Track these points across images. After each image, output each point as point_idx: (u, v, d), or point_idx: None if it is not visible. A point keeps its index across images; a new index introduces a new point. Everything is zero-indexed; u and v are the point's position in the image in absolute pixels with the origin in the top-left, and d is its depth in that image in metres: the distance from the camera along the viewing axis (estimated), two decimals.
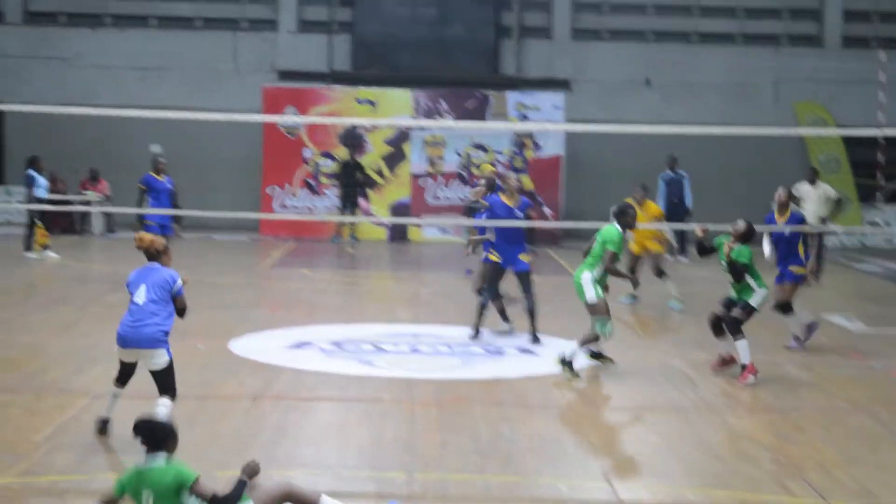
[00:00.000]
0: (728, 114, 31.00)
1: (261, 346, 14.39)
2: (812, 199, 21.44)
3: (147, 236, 9.96)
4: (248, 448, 9.77)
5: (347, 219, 27.54)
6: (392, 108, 30.10)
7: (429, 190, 30.28)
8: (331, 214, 28.89)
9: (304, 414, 11.23)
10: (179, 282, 9.73)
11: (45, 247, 23.46)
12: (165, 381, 9.66)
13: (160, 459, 6.76)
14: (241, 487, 6.85)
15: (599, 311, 12.92)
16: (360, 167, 28.49)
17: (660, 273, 18.91)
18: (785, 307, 14.92)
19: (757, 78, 32.18)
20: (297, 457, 9.65)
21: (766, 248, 15.65)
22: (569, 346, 13.08)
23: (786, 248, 15.09)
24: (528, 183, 29.75)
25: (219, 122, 25.59)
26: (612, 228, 13.03)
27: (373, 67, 32.09)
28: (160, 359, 9.62)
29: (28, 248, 23.48)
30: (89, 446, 9.68)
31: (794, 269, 14.97)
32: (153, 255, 9.82)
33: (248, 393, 11.84)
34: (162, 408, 9.34)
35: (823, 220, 21.41)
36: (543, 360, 13.93)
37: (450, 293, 19.53)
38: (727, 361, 13.27)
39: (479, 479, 9.11)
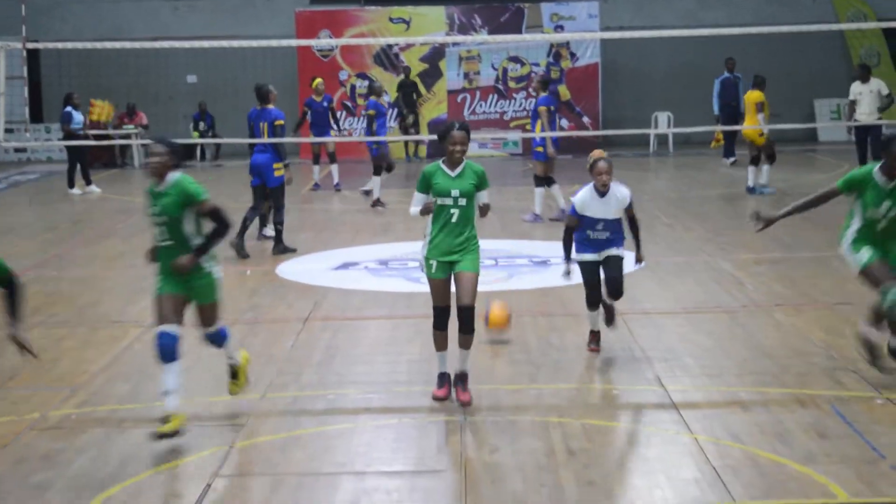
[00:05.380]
0: (766, 14, 30.57)
1: (307, 269, 14.47)
2: (866, 95, 21.07)
3: None
4: (301, 369, 9.88)
5: (389, 138, 27.45)
6: (426, 26, 29.91)
7: (466, 105, 30.18)
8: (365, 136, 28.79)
9: (354, 333, 11.31)
10: None
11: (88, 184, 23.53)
12: None
13: None
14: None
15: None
16: (416, 86, 28.55)
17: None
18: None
19: None
20: (349, 375, 9.73)
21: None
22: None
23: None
24: (565, 93, 29.58)
25: (253, 48, 25.50)
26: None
27: None
28: None
29: (71, 184, 23.60)
30: (144, 375, 9.80)
31: (538, 148, 17.71)
32: None
33: (298, 316, 11.92)
34: None
35: (879, 115, 21.07)
36: None
37: (493, 207, 19.48)
38: None
39: (531, 388, 9.16)
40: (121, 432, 8.30)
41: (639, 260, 10.05)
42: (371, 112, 20.31)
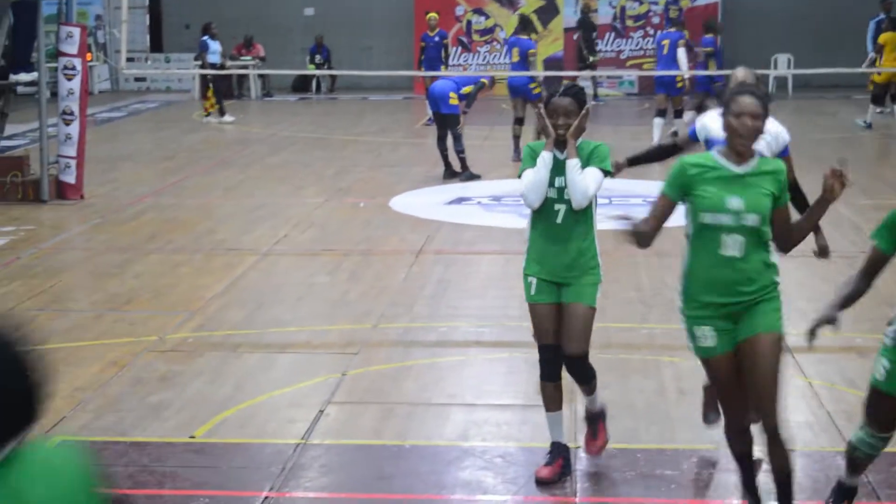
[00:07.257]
0: None
1: (420, 203, 14.53)
2: None
3: None
4: (413, 301, 9.95)
5: (494, 73, 27.28)
6: None
7: None
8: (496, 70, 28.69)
9: (466, 267, 11.35)
10: None
11: (209, 114, 23.70)
12: None
13: None
14: None
15: None
16: (595, 27, 28.44)
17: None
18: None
19: None
20: (460, 308, 9.77)
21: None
22: None
23: None
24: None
25: None
26: None
27: None
28: None
29: (219, 111, 23.70)
30: (259, 302, 9.94)
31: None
32: None
33: (410, 248, 11.98)
34: None
35: None
36: None
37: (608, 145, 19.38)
38: None
39: (643, 328, 9.13)
40: (236, 357, 8.44)
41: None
42: (709, 50, 20.13)
